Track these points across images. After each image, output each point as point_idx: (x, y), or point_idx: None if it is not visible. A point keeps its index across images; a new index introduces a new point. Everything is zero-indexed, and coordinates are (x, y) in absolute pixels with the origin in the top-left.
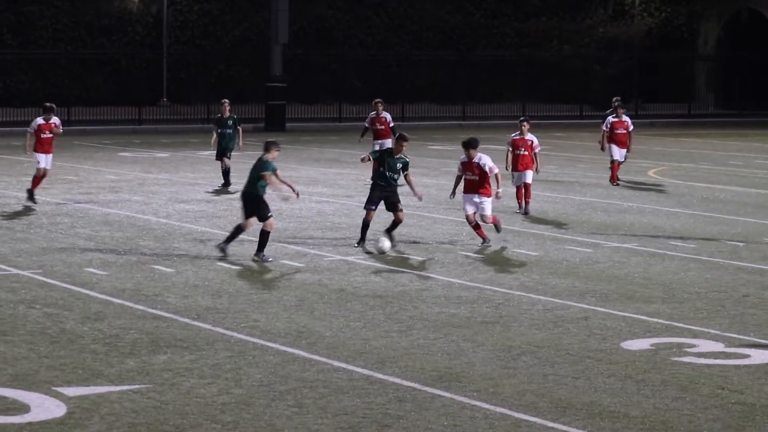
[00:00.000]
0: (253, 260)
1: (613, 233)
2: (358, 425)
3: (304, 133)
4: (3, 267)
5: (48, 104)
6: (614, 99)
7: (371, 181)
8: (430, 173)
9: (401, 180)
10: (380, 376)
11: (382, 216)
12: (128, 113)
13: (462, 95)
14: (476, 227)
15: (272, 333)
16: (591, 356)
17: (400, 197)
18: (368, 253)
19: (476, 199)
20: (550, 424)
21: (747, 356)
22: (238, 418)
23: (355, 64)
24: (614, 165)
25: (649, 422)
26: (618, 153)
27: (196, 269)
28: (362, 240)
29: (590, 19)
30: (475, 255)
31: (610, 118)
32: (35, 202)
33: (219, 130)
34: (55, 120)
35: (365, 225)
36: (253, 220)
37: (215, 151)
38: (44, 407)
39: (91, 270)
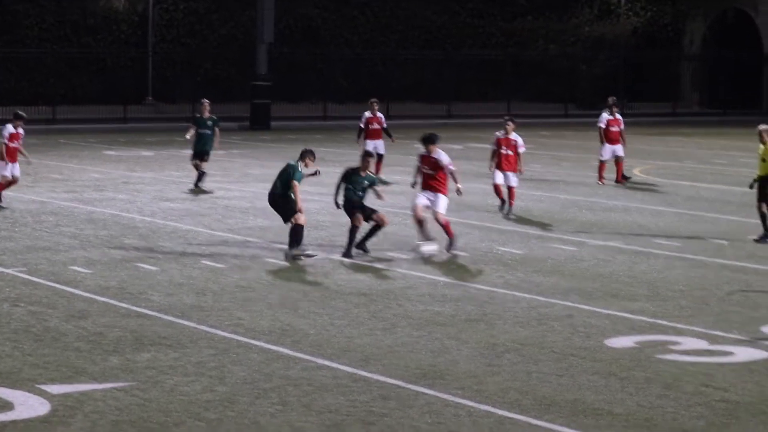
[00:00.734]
0: (293, 256)
1: (598, 231)
2: (342, 423)
3: (289, 132)
4: None
5: (19, 112)
6: (610, 97)
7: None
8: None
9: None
10: (364, 373)
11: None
12: (113, 112)
13: (448, 94)
14: (420, 224)
15: (256, 331)
16: (575, 354)
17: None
18: (367, 255)
19: (430, 196)
20: (534, 422)
21: (731, 354)
22: (222, 416)
23: (341, 63)
24: (602, 164)
25: (633, 420)
26: (608, 152)
27: (181, 267)
28: (353, 246)
29: (576, 19)
30: (461, 253)
31: (606, 115)
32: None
33: (198, 130)
34: (20, 130)
35: (353, 231)
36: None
37: (192, 151)
38: (28, 405)
39: (76, 268)
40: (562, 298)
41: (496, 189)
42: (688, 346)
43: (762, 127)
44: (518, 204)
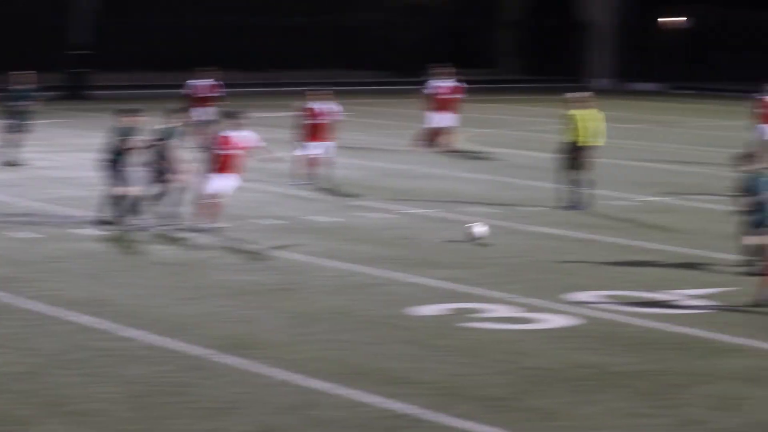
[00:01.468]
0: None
1: (414, 199)
2: (149, 393)
3: (110, 102)
4: None
5: None
6: (434, 66)
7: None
8: None
9: None
10: (173, 343)
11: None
12: None
13: (272, 62)
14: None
15: (68, 302)
16: (386, 322)
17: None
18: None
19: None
20: (344, 391)
21: (542, 321)
22: (29, 388)
23: (165, 32)
24: (432, 131)
25: (442, 387)
26: (437, 119)
27: None
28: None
29: None
30: (273, 222)
31: (435, 82)
32: None
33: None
34: None
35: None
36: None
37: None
38: None
39: None
40: (375, 266)
41: (307, 160)
42: (499, 313)
43: (570, 95)
44: (335, 173)
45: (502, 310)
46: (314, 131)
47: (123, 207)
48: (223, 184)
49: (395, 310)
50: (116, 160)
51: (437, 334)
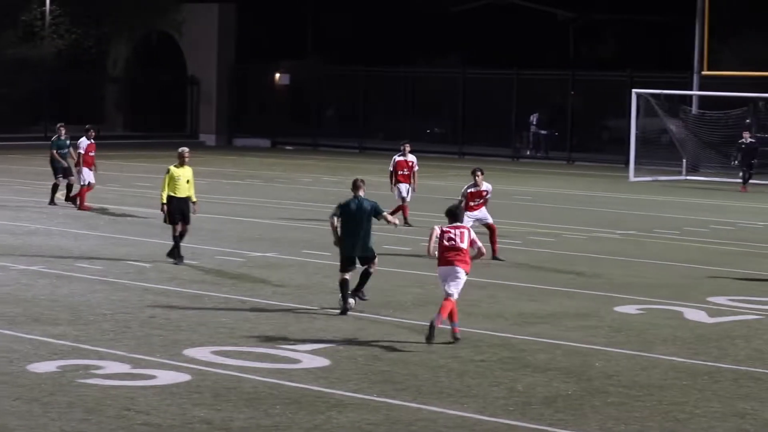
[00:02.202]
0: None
1: (20, 255)
2: None
3: None
4: None
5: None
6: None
7: None
8: None
9: None
10: None
11: None
12: None
13: None
14: None
15: None
16: (1, 380)
17: None
18: None
19: None
20: None
21: (153, 377)
22: None
23: None
24: (83, 189)
25: None
26: (88, 176)
27: None
28: None
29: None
30: None
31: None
32: None
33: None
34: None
35: None
36: None
37: None
38: None
39: None
40: None
41: None
42: (110, 369)
43: (181, 149)
44: None
45: (113, 366)
46: None
47: None
48: None
49: (7, 366)
50: None
51: (50, 390)
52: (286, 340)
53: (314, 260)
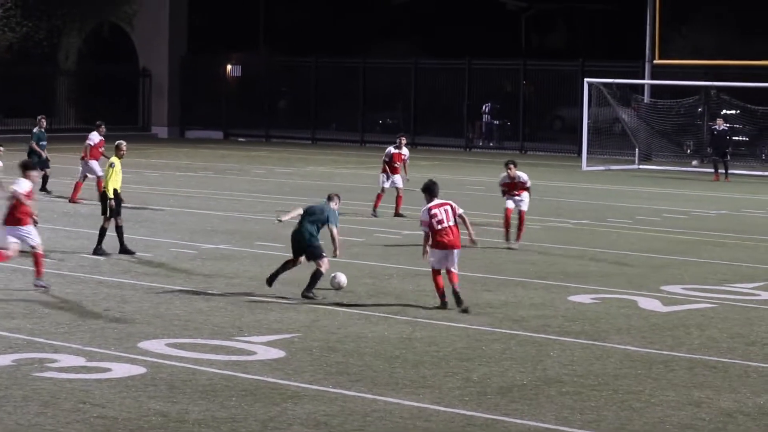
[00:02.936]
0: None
1: None
2: None
3: None
4: None
5: None
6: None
7: None
8: None
9: None
10: None
11: None
12: None
13: None
14: None
15: None
16: None
17: None
18: None
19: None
20: None
21: (108, 370)
22: None
23: None
24: (78, 183)
25: None
26: (96, 168)
27: None
28: None
29: None
30: None
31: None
32: None
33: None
34: None
35: None
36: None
37: None
38: None
39: None
40: None
41: None
42: (65, 363)
43: (121, 142)
44: None
45: (68, 360)
46: None
47: None
48: None
49: None
50: None
51: (5, 384)
52: (240, 331)
53: (267, 252)
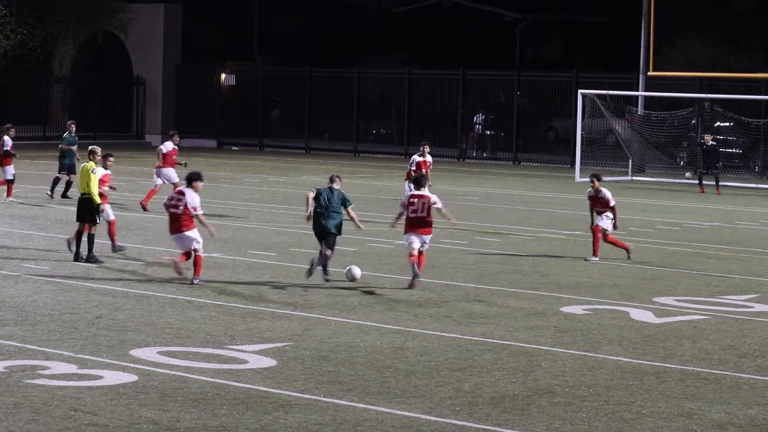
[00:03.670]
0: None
1: None
2: None
3: None
4: None
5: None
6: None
7: None
8: None
9: None
10: None
11: None
12: None
13: None
14: None
15: None
16: None
17: None
18: None
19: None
20: None
21: (100, 377)
22: None
23: None
24: (154, 189)
25: None
26: (173, 175)
27: None
28: None
29: None
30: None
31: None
32: None
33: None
34: None
35: None
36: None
37: None
38: None
39: None
40: None
41: None
42: (57, 370)
43: (96, 147)
44: None
45: (60, 367)
46: None
47: None
48: None
49: None
50: None
51: (0, 391)
52: (232, 340)
53: (260, 260)
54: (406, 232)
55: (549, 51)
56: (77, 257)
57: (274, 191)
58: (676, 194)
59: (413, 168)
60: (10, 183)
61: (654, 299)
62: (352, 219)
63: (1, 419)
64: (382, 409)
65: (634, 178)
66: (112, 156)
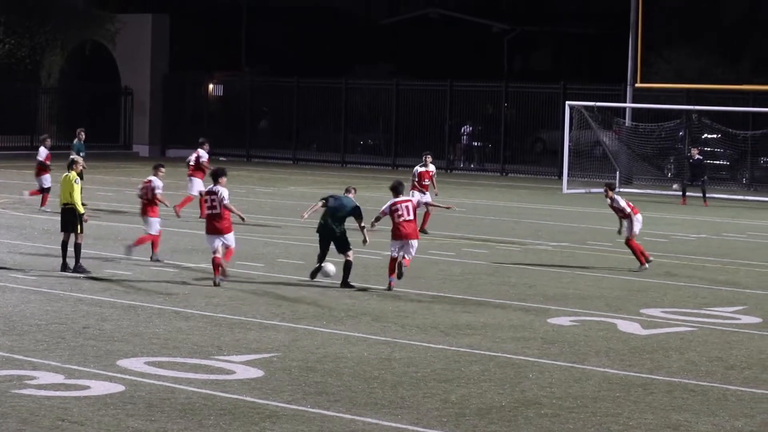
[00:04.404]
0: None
1: None
2: None
3: None
4: None
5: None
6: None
7: None
8: None
9: None
10: None
11: None
12: None
13: None
14: None
15: None
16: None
17: None
18: None
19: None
20: None
21: (87, 387)
22: None
23: None
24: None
25: None
26: (198, 186)
27: None
28: None
29: None
30: None
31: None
32: None
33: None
34: None
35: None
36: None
37: None
38: None
39: None
40: None
41: None
42: (44, 380)
43: (73, 157)
44: None
45: (47, 377)
46: None
47: None
48: None
49: None
50: None
51: None
52: (219, 351)
53: (247, 271)
54: (392, 238)
55: (537, 62)
56: (64, 267)
57: (261, 202)
58: (664, 206)
59: (416, 179)
60: (45, 192)
61: (641, 311)
62: (361, 231)
63: None
64: (369, 420)
65: (621, 189)
66: (163, 166)
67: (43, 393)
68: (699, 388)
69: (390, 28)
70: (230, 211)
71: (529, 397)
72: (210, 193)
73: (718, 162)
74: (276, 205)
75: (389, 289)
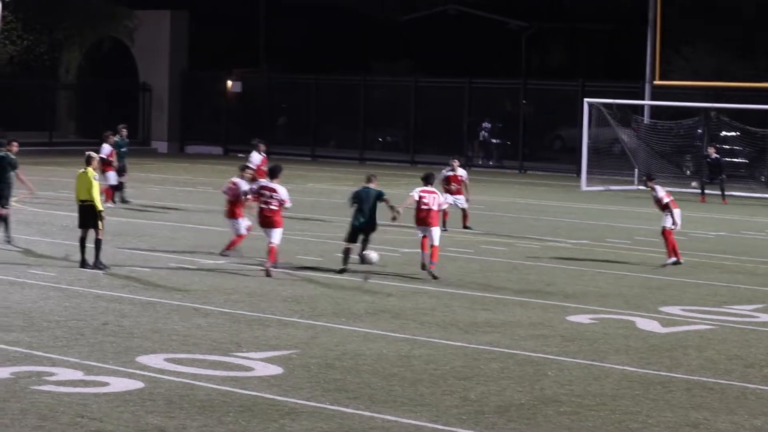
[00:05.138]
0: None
1: None
2: None
3: None
4: None
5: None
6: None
7: None
8: None
9: None
10: None
11: None
12: None
13: None
14: None
15: None
16: None
17: None
18: None
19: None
20: None
21: (106, 384)
22: None
23: None
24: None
25: None
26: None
27: None
28: None
29: None
30: None
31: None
32: None
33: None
34: None
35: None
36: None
37: None
38: None
39: None
40: None
41: None
42: (63, 376)
43: (90, 154)
44: None
45: (66, 373)
46: None
47: None
48: None
49: None
50: None
51: (3, 397)
52: (239, 347)
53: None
54: (416, 223)
55: (555, 59)
56: (83, 264)
57: None
58: (682, 204)
59: (444, 183)
60: (111, 189)
61: (660, 309)
62: (389, 207)
63: (8, 425)
64: (388, 417)
65: (640, 187)
66: (249, 168)
67: (62, 389)
68: (718, 387)
69: (408, 25)
70: (285, 209)
71: (549, 394)
72: (270, 189)
73: (736, 160)
74: (294, 202)
75: (423, 267)
